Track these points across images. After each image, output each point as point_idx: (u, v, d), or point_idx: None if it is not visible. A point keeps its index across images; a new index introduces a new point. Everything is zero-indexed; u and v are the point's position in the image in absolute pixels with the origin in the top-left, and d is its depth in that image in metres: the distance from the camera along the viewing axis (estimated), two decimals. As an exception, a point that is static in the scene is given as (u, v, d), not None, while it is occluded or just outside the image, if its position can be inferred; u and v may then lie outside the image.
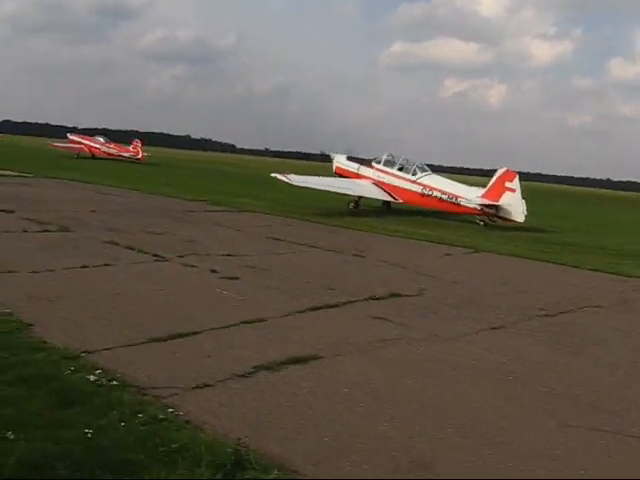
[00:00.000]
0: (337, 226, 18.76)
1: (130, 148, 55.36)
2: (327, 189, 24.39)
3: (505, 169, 22.57)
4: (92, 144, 55.97)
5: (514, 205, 21.71)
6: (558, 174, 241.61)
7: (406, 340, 7.49)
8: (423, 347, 7.29)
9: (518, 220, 21.72)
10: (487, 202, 22.05)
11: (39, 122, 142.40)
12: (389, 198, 24.91)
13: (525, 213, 21.71)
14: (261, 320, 7.72)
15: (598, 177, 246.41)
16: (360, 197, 24.75)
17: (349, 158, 26.98)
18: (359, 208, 24.88)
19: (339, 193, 24.56)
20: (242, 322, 7.54)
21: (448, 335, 7.86)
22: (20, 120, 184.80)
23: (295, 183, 23.64)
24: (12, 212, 15.44)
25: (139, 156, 53.82)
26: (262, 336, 7.13)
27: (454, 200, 22.88)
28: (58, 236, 12.64)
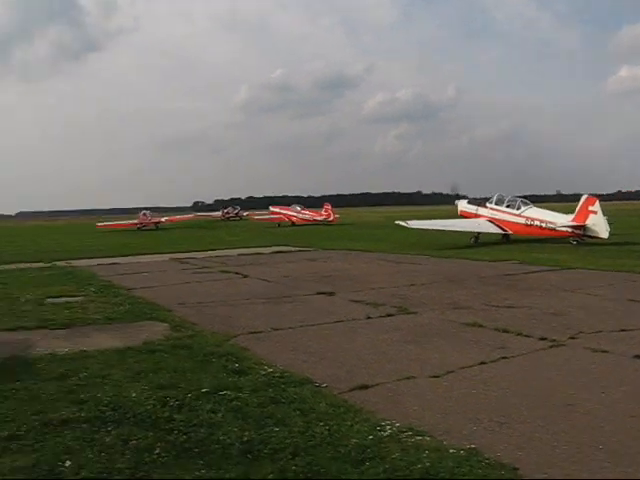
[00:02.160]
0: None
1: (322, 212, 58.90)
2: (450, 229, 29.29)
3: (586, 196, 26.08)
4: (290, 213, 60.68)
5: (598, 224, 25.16)
6: None
7: None
8: None
9: (603, 237, 25.02)
10: (575, 224, 25.80)
11: (277, 195, 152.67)
12: (501, 231, 28.94)
13: (609, 230, 25.00)
14: None
15: None
16: (479, 233, 28.74)
17: (470, 202, 32.35)
18: (478, 242, 28.35)
19: (461, 231, 28.95)
20: None
21: None
22: (261, 195, 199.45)
23: (414, 227, 28.71)
24: (333, 294, 14.68)
25: (330, 218, 57.12)
26: None
27: (551, 226, 26.81)
28: (406, 321, 11.20)
